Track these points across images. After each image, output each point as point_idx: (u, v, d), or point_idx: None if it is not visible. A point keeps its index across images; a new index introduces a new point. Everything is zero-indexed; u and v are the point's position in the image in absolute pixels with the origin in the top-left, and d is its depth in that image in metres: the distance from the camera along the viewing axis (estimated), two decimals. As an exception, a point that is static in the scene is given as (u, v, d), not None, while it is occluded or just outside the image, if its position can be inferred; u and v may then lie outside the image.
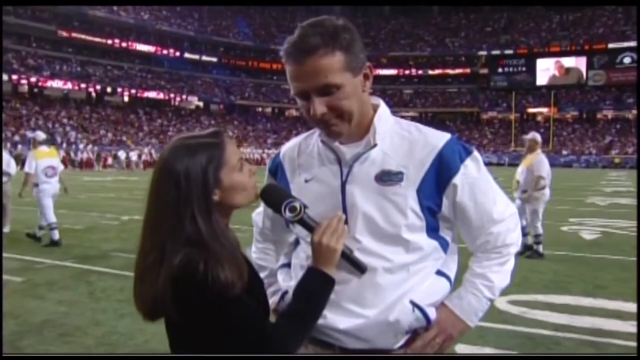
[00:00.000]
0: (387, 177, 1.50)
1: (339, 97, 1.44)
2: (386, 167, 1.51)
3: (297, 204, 1.47)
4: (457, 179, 1.52)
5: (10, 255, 7.77)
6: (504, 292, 5.48)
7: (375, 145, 1.52)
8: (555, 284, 6.38)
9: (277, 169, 1.71)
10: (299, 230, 1.61)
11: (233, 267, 1.32)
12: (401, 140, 1.55)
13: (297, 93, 1.47)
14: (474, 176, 1.54)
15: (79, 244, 8.75)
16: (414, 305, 1.51)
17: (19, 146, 37.53)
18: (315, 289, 1.44)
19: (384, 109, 1.59)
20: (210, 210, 1.36)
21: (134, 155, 41.33)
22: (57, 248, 8.39)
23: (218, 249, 1.33)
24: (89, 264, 7.25)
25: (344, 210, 1.52)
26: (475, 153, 1.58)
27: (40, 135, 9.42)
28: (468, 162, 1.54)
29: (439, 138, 1.55)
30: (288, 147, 1.72)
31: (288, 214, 1.47)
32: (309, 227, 1.48)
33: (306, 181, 1.60)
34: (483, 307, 1.59)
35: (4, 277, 6.43)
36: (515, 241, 1.61)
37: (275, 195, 1.52)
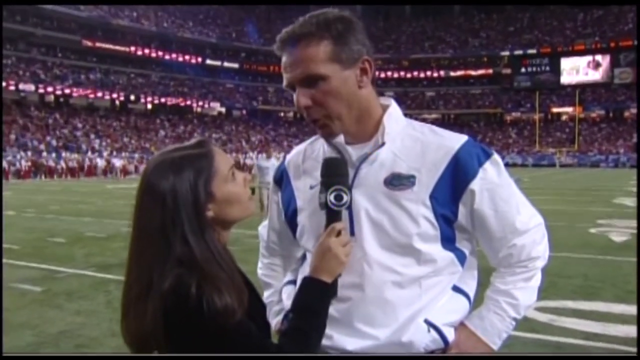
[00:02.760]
0: (397, 181, 1.37)
1: (324, 90, 1.33)
2: (396, 170, 1.38)
3: (345, 197, 1.33)
4: (475, 185, 1.37)
5: (31, 264, 7.80)
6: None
7: (383, 144, 1.39)
8: (585, 290, 6.15)
9: (282, 177, 1.58)
10: (304, 241, 1.49)
11: (232, 292, 1.17)
12: (413, 142, 1.41)
13: (285, 84, 1.39)
14: (494, 182, 1.39)
15: (100, 253, 8.74)
16: (430, 324, 1.36)
17: (52, 154, 38.13)
18: (316, 301, 1.30)
19: (394, 108, 1.45)
20: (203, 229, 1.22)
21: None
22: (78, 256, 8.39)
23: (214, 271, 1.19)
24: (108, 272, 7.21)
25: (350, 217, 1.38)
26: (496, 156, 1.43)
27: None
28: (487, 165, 1.39)
29: (455, 140, 1.41)
30: (293, 153, 1.60)
31: (330, 198, 1.32)
32: (331, 223, 1.35)
33: (311, 187, 1.46)
34: (508, 328, 1.44)
35: (24, 286, 6.47)
36: (542, 254, 1.45)
37: (336, 172, 1.36)
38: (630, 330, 4.65)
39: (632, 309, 5.26)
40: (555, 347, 4.37)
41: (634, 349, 4.26)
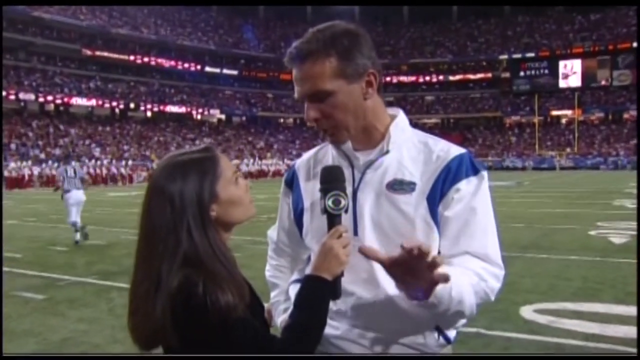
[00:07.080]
0: (398, 186, 1.45)
1: (331, 104, 1.42)
2: (399, 177, 1.46)
3: (343, 201, 1.38)
4: (455, 189, 1.44)
5: (33, 272, 7.84)
6: (530, 301, 5.24)
7: (388, 151, 1.47)
8: (585, 291, 6.17)
9: (292, 180, 1.67)
10: (308, 240, 1.57)
11: (233, 288, 1.25)
12: (417, 152, 1.50)
13: (296, 97, 1.47)
14: (473, 192, 1.45)
15: (100, 260, 8.77)
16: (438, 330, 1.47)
17: (52, 163, 37.95)
18: (316, 297, 1.37)
19: (402, 119, 1.54)
20: (206, 226, 1.30)
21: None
22: (80, 264, 8.42)
23: (216, 268, 1.26)
24: (110, 280, 7.25)
25: (354, 218, 1.47)
26: (484, 173, 1.49)
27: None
28: (473, 178, 1.47)
29: (453, 150, 1.49)
30: (304, 158, 1.69)
31: (329, 202, 1.38)
32: (332, 227, 1.40)
33: (319, 190, 1.54)
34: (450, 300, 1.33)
35: (27, 294, 6.50)
36: (495, 289, 1.43)
37: (334, 179, 1.41)
38: (629, 331, 4.68)
39: (631, 310, 5.29)
40: (555, 348, 4.39)
41: (633, 349, 4.28)
